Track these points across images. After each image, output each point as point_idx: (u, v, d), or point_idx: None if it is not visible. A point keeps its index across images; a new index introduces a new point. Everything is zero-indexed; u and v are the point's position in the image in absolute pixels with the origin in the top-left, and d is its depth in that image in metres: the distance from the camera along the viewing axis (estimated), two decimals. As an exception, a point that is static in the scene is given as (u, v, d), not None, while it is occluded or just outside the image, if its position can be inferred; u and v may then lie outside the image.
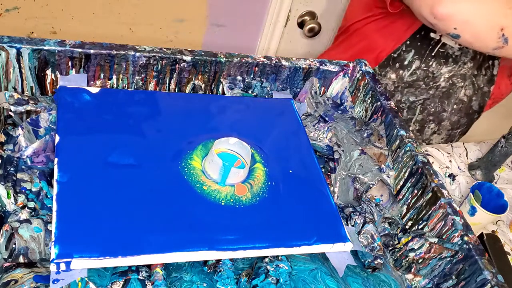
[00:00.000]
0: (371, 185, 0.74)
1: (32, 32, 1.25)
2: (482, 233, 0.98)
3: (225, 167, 0.61)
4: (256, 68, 0.79)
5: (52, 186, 0.60)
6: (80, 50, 0.68)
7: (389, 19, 1.01)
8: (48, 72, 0.69)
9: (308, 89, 0.83)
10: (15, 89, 0.69)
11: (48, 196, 0.61)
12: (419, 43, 1.01)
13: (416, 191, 0.72)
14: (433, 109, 1.07)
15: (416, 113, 1.09)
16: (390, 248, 0.72)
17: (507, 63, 1.06)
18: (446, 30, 0.86)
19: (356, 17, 1.07)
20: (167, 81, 0.76)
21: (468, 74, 1.03)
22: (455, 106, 1.07)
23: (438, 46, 1.00)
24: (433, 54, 1.01)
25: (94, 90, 0.69)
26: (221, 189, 0.62)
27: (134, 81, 0.74)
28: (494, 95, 1.12)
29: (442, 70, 1.02)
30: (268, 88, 0.82)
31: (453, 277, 0.65)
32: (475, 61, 1.02)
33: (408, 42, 1.00)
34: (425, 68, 1.02)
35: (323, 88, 0.87)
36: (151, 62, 0.72)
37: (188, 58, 0.74)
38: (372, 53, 1.05)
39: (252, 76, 0.80)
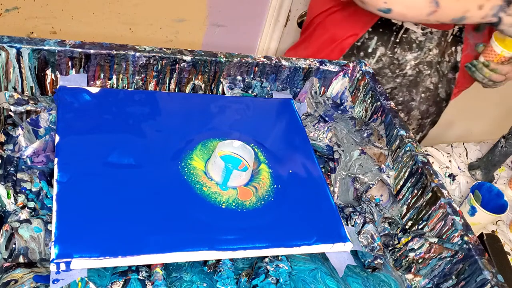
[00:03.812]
0: (371, 185, 0.74)
1: (32, 32, 1.25)
2: (482, 233, 0.98)
3: (227, 169, 0.61)
4: (256, 68, 0.79)
5: (52, 186, 0.60)
6: (80, 50, 0.68)
7: (349, 9, 1.00)
8: (48, 72, 0.69)
9: (308, 89, 0.83)
10: (15, 89, 0.69)
11: (48, 196, 0.61)
12: (381, 30, 1.00)
13: (416, 191, 0.73)
14: (401, 98, 1.06)
15: None
16: (390, 248, 0.72)
17: (471, 52, 1.07)
18: (376, 6, 0.86)
19: (318, 10, 1.07)
20: (167, 81, 0.76)
21: (434, 61, 1.03)
22: (422, 95, 1.07)
23: (401, 32, 1.00)
24: (397, 40, 1.00)
25: (94, 90, 0.69)
26: (222, 192, 0.62)
27: (134, 81, 0.74)
28: (459, 83, 1.11)
29: (407, 56, 1.01)
30: (268, 88, 0.82)
31: (453, 277, 0.65)
32: (440, 47, 1.02)
33: (370, 30, 1.00)
34: (390, 55, 1.01)
35: (323, 88, 0.87)
36: (151, 62, 0.72)
37: (188, 58, 0.74)
38: (336, 44, 1.05)
39: (252, 76, 0.80)
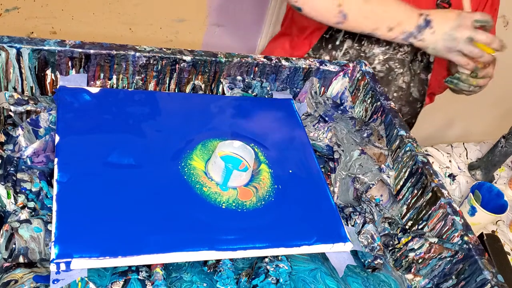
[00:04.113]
0: (371, 185, 0.74)
1: (32, 32, 1.25)
2: (482, 233, 0.98)
3: (227, 170, 0.61)
4: (256, 68, 0.79)
5: (52, 186, 0.60)
6: (80, 50, 0.68)
7: None
8: (48, 72, 0.69)
9: (308, 89, 0.83)
10: (15, 89, 0.69)
11: (48, 196, 0.61)
12: None
13: (416, 191, 0.73)
14: None
15: None
16: (390, 248, 0.72)
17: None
18: (290, 1, 0.89)
19: (288, 5, 1.07)
20: (167, 81, 0.76)
21: (407, 60, 1.02)
22: (395, 94, 1.06)
23: None
24: None
25: (94, 90, 0.69)
26: (222, 192, 0.62)
27: (134, 81, 0.74)
28: (432, 86, 1.10)
29: (374, 50, 1.01)
30: (268, 88, 0.82)
31: (453, 277, 0.65)
32: (412, 46, 1.00)
33: None
34: (357, 48, 1.01)
35: (323, 88, 0.87)
36: (151, 62, 0.72)
37: (188, 58, 0.74)
38: (305, 36, 1.04)
39: (252, 76, 0.80)
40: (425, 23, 0.88)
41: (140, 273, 0.55)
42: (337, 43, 1.01)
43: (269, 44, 1.18)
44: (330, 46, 1.02)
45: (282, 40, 1.13)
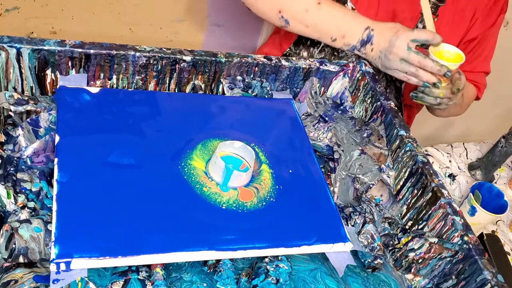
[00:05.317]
0: (371, 185, 0.74)
1: (32, 32, 1.25)
2: (482, 233, 0.98)
3: (227, 170, 0.61)
4: (256, 68, 0.79)
5: (52, 186, 0.60)
6: (80, 50, 0.68)
7: None
8: (48, 72, 0.69)
9: (308, 89, 0.83)
10: (15, 89, 0.69)
11: (48, 196, 0.61)
12: None
13: (416, 191, 0.73)
14: None
15: None
16: (390, 248, 0.72)
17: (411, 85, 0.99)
18: (243, 1, 0.91)
19: None
20: (167, 81, 0.76)
21: None
22: None
23: None
24: None
25: (94, 90, 0.69)
26: (222, 193, 0.62)
27: (134, 81, 0.74)
28: (405, 96, 1.07)
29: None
30: (268, 88, 0.82)
31: (453, 277, 0.65)
32: None
33: None
34: (332, 46, 0.98)
35: (323, 88, 0.87)
36: (151, 62, 0.72)
37: (188, 58, 0.74)
38: (288, 33, 1.03)
39: (252, 76, 0.80)
40: (368, 38, 0.86)
41: (140, 273, 0.55)
42: (316, 40, 1.00)
43: (265, 42, 1.18)
44: (308, 42, 1.01)
45: (273, 37, 1.14)
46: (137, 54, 0.71)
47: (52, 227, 0.52)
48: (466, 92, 1.01)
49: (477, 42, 1.03)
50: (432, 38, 0.82)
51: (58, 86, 0.68)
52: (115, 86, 0.74)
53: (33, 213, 0.59)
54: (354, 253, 0.67)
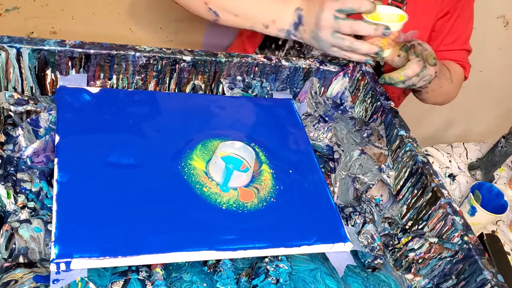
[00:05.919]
0: (371, 185, 0.74)
1: (32, 32, 1.25)
2: (482, 233, 0.98)
3: (228, 170, 0.61)
4: (256, 68, 0.79)
5: (52, 186, 0.60)
6: (80, 50, 0.68)
7: None
8: (48, 72, 0.69)
9: (308, 89, 0.83)
10: (15, 89, 0.69)
11: (48, 196, 0.61)
12: None
13: (416, 191, 0.73)
14: None
15: None
16: (390, 248, 0.72)
17: (390, 67, 0.94)
18: None
19: None
20: (167, 81, 0.76)
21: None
22: None
23: None
24: None
25: (94, 90, 0.69)
26: (223, 193, 0.62)
27: (134, 81, 0.74)
28: (385, 86, 1.04)
29: (313, 52, 0.96)
30: (268, 88, 0.82)
31: (453, 277, 0.65)
32: None
33: None
34: (298, 48, 0.96)
35: (323, 88, 0.87)
36: (151, 62, 0.72)
37: (188, 58, 0.74)
38: (252, 36, 1.02)
39: (252, 76, 0.80)
40: (299, 20, 0.80)
41: (140, 273, 0.55)
42: (280, 43, 0.98)
43: (229, 47, 1.17)
44: (273, 46, 0.99)
45: (237, 41, 1.12)
46: (137, 54, 0.71)
47: (52, 227, 0.52)
48: (453, 70, 0.99)
49: (450, 16, 0.99)
50: (358, 6, 0.74)
51: (58, 86, 0.68)
52: (115, 86, 0.74)
53: (33, 213, 0.59)
54: (354, 253, 0.67)
